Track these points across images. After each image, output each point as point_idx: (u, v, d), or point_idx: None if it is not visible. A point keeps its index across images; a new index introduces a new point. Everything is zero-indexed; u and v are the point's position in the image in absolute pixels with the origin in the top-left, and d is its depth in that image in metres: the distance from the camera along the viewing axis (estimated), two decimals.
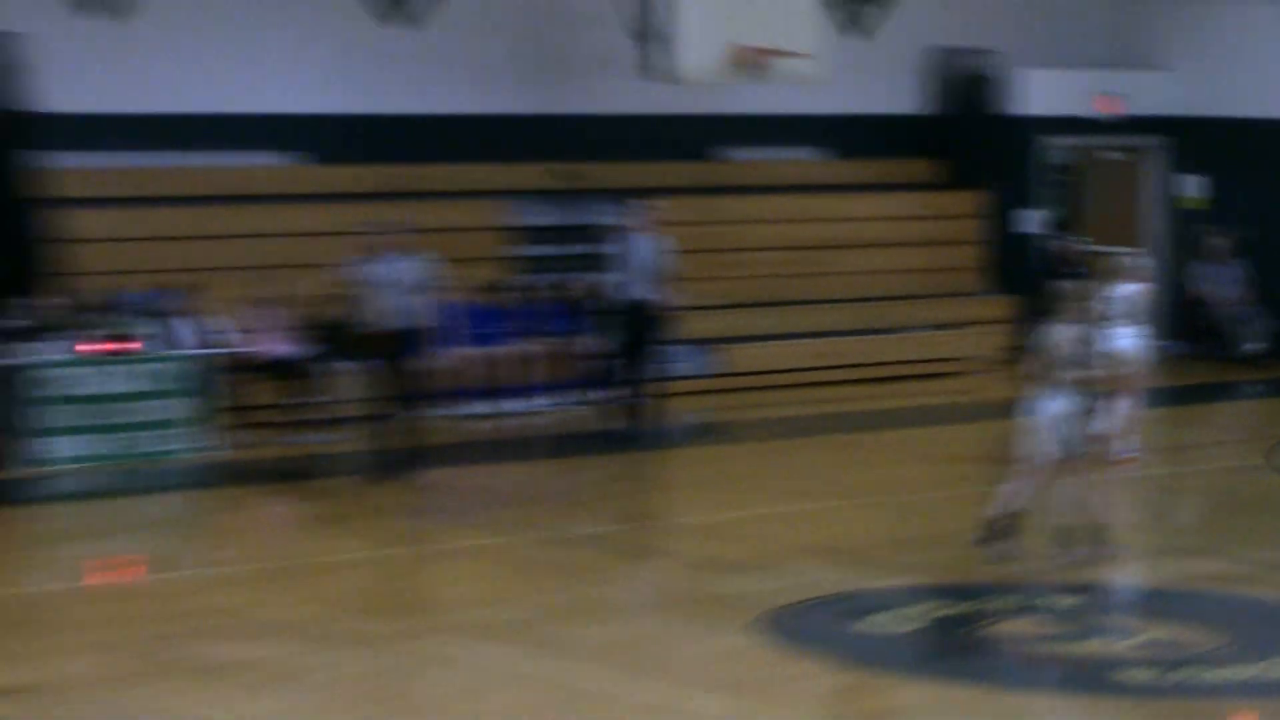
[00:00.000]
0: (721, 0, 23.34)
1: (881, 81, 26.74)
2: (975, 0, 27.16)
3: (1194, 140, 26.49)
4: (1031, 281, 23.98)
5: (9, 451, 18.99)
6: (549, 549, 16.53)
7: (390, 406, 18.89)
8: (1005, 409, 17.95)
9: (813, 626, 13.54)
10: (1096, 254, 22.81)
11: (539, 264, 24.00)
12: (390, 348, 18.73)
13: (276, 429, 20.93)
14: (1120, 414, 15.96)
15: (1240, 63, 26.17)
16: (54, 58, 22.06)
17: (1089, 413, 14.51)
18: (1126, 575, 14.82)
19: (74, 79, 22.03)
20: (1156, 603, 14.21)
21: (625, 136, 24.89)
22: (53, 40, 22.09)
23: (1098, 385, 14.95)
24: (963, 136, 26.19)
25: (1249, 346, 25.10)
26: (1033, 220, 26.85)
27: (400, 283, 18.62)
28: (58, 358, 19.44)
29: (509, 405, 22.07)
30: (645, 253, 20.58)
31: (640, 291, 20.62)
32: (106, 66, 22.61)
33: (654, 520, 18.42)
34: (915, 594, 14.46)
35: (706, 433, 21.71)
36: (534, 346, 22.38)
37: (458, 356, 21.14)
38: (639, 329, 20.78)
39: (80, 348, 19.62)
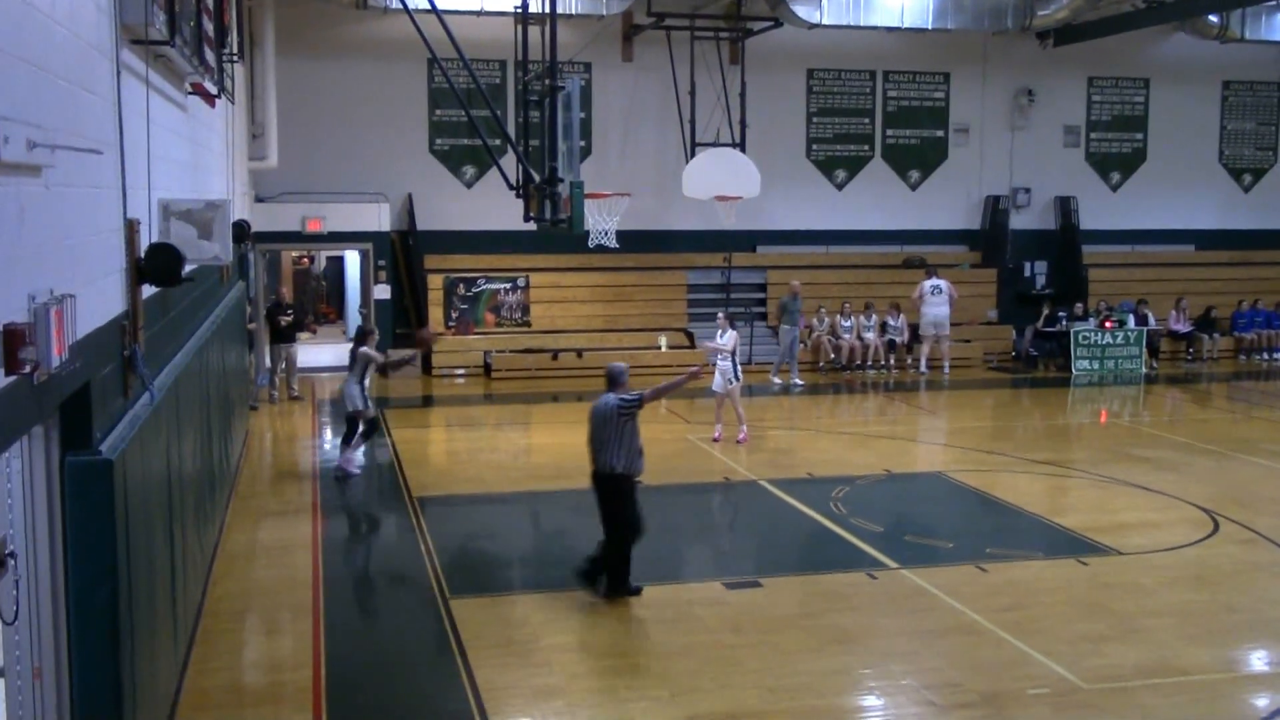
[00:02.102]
0: None
1: None
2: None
3: None
4: None
5: (1066, 367, 22.03)
6: None
7: None
8: None
9: None
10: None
11: None
12: None
13: (1174, 363, 23.58)
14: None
15: None
16: (1087, 207, 25.38)
17: None
18: None
19: (1096, 217, 25.76)
20: None
21: None
22: (1086, 198, 25.58)
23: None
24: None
25: None
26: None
27: None
28: (1088, 328, 22.34)
29: None
30: None
31: None
32: (1115, 213, 25.63)
33: None
34: None
35: None
36: None
37: None
38: None
39: (1105, 324, 22.45)
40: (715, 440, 15.42)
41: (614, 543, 9.37)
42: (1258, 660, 8.42)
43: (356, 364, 13.74)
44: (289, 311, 18.98)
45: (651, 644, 8.40)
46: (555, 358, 21.58)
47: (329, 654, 8.24)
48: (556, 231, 14.94)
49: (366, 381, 13.81)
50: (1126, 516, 11.86)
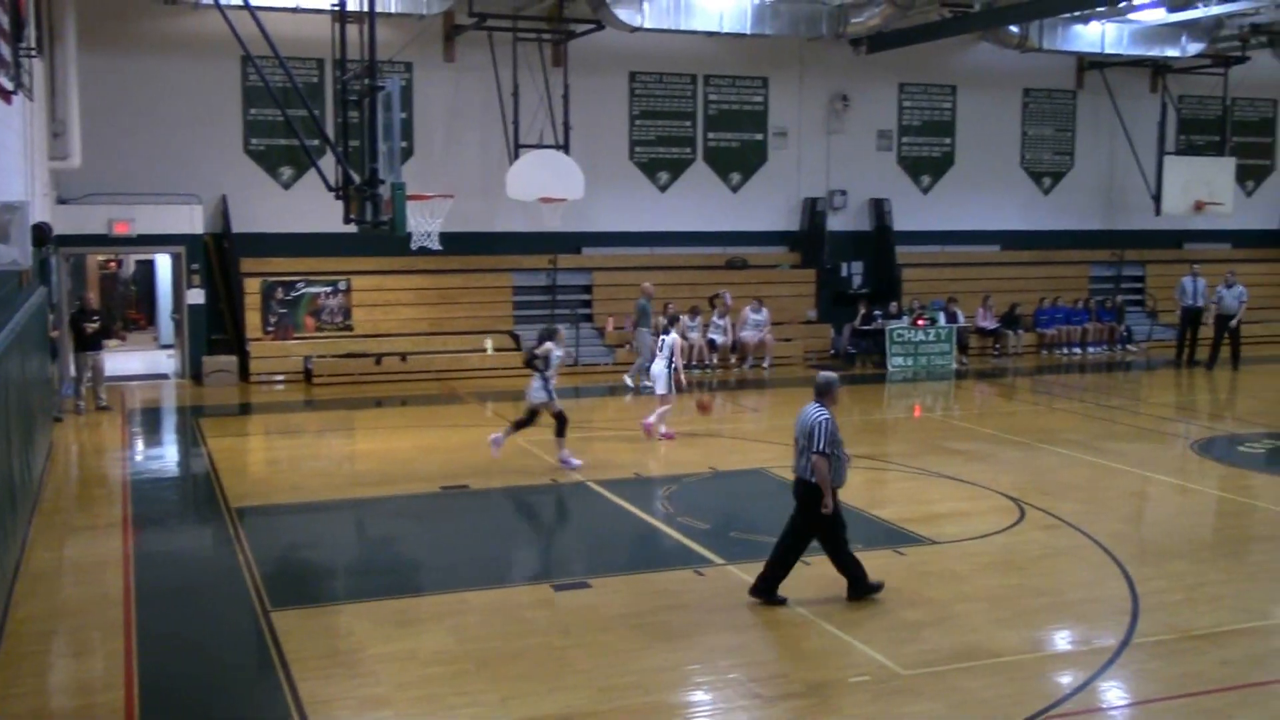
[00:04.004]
0: (1182, 181, 25.82)
1: None
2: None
3: None
4: None
5: (883, 364, 23.27)
6: (1096, 409, 18.47)
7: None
8: None
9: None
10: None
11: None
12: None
13: (983, 358, 24.51)
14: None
15: None
16: (900, 209, 26.08)
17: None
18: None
19: (909, 219, 26.15)
20: None
21: (1144, 238, 27.82)
22: (899, 200, 26.38)
23: None
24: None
25: None
26: None
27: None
28: (902, 326, 23.19)
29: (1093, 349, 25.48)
30: (1197, 286, 23.44)
31: (1194, 303, 23.59)
32: (926, 214, 26.49)
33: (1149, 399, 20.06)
34: None
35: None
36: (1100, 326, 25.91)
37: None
38: (1194, 321, 23.75)
39: (917, 322, 23.38)
40: (670, 437, 15.73)
41: (835, 549, 9.29)
42: (1062, 640, 8.79)
43: (539, 360, 14.11)
44: (95, 318, 18.31)
45: (480, 649, 8.30)
46: (379, 362, 21.25)
47: (143, 673, 7.90)
48: (378, 233, 14.72)
49: (550, 377, 14.04)
50: (940, 507, 12.20)
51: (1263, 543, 11.29)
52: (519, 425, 14.17)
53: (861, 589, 9.31)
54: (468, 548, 11.16)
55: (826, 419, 9.09)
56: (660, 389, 15.82)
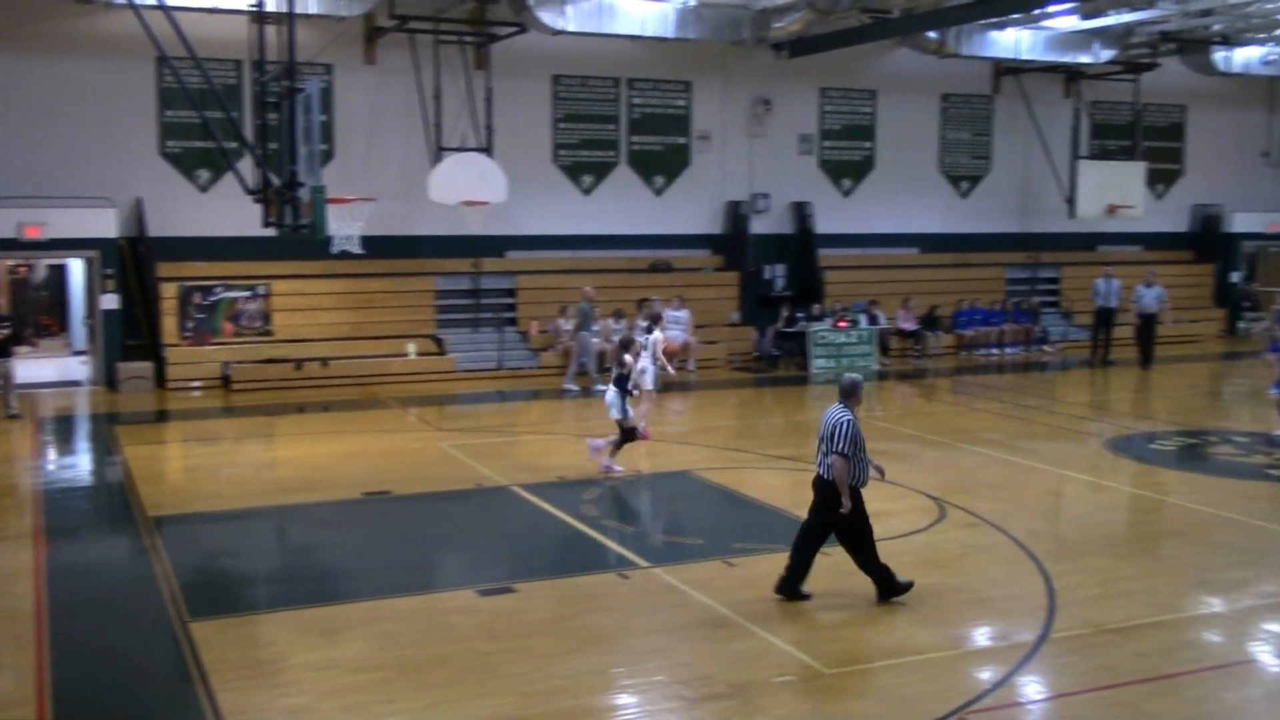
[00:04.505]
0: (1095, 184, 26.41)
1: None
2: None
3: None
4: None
5: (805, 366, 23.13)
6: (1014, 408, 18.86)
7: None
8: None
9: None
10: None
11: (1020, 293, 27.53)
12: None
13: (903, 359, 24.82)
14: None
15: None
16: (821, 213, 26.26)
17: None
18: None
19: (830, 222, 26.32)
20: None
21: (1059, 240, 28.22)
22: (821, 204, 26.51)
23: None
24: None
25: None
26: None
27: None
28: (825, 328, 23.34)
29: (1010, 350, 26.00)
30: (1110, 287, 24.02)
31: (1108, 304, 24.09)
32: (847, 218, 26.78)
33: (1059, 400, 20.48)
34: None
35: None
36: (1017, 327, 26.43)
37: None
38: (1108, 321, 24.24)
39: (838, 324, 23.56)
40: (644, 438, 15.68)
41: (858, 551, 9.29)
42: (982, 637, 8.92)
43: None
44: (5, 324, 17.96)
45: (404, 656, 8.24)
46: (299, 367, 21.02)
47: (56, 688, 7.73)
48: (298, 237, 14.60)
49: (633, 390, 14.15)
50: None
51: (1173, 538, 11.52)
52: (620, 444, 14.16)
53: (891, 589, 9.34)
54: (391, 554, 11.05)
55: (849, 420, 9.21)
56: (648, 385, 15.91)
